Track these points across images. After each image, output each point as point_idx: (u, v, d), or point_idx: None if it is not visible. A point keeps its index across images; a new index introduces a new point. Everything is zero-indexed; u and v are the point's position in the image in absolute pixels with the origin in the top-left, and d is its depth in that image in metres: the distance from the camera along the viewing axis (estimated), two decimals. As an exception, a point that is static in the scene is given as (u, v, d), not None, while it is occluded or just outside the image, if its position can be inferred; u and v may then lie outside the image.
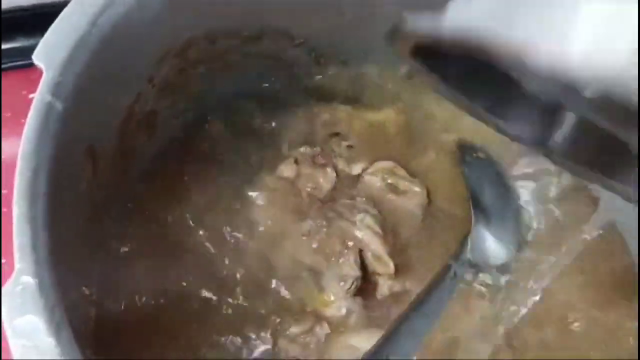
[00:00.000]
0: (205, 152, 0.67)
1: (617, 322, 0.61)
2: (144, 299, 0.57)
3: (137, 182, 0.63)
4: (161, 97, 0.59)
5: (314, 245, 0.62)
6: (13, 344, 0.33)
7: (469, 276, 0.61)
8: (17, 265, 0.35)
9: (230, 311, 0.58)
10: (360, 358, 0.48)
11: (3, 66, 0.75)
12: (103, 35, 0.47)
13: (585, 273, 0.63)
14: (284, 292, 0.60)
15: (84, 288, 0.50)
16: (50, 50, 0.43)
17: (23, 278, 0.35)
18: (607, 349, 0.59)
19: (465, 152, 0.69)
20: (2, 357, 0.56)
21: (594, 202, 0.68)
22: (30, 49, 0.43)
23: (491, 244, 0.63)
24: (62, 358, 0.33)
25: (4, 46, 0.76)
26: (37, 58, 0.42)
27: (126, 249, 0.59)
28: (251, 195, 0.66)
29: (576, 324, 0.61)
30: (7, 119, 0.71)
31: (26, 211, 0.37)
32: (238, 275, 0.60)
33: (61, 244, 0.40)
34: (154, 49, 0.55)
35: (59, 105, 0.41)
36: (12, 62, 0.76)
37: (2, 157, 0.67)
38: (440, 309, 0.55)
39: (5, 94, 0.72)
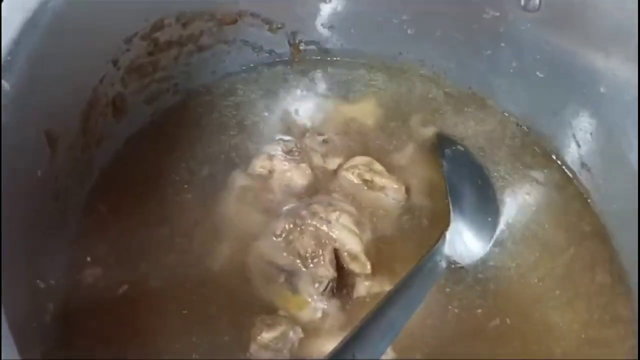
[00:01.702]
0: (177, 142, 0.64)
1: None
2: (108, 299, 0.54)
3: (103, 172, 0.61)
4: (129, 80, 0.57)
5: (288, 246, 0.59)
6: None
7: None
8: None
9: (198, 316, 0.55)
10: (324, 358, 0.44)
11: None
12: (56, 13, 0.45)
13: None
14: (257, 295, 0.57)
15: (38, 281, 0.46)
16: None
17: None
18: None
19: (444, 144, 0.66)
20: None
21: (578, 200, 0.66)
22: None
23: (469, 239, 0.61)
24: None
25: None
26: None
27: (89, 244, 0.56)
28: (222, 193, 0.63)
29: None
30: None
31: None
32: (207, 276, 0.57)
33: (11, 230, 0.38)
34: (118, 30, 0.52)
35: (6, 86, 0.38)
36: None
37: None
38: (416, 303, 0.52)
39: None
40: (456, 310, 0.59)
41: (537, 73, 0.65)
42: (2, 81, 0.39)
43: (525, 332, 0.58)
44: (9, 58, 0.40)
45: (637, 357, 0.51)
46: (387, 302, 0.49)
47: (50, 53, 0.45)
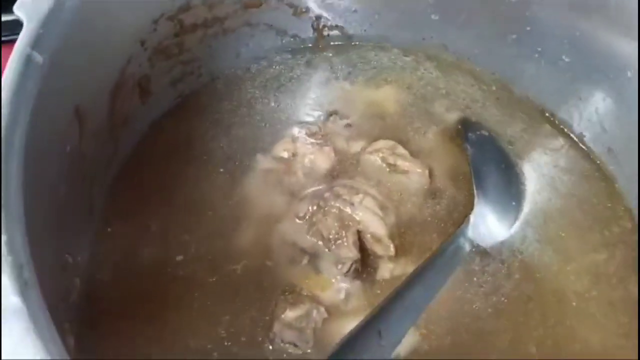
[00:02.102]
0: (200, 125, 0.65)
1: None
2: (133, 275, 0.54)
3: (129, 153, 0.61)
4: (155, 61, 0.57)
5: (311, 228, 0.59)
6: None
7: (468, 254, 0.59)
8: None
9: (222, 294, 0.55)
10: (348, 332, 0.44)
11: (3, 39, 0.73)
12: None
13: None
14: (280, 276, 0.57)
15: (67, 255, 0.47)
16: (32, 3, 0.41)
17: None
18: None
19: (468, 129, 0.66)
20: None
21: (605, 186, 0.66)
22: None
23: (492, 223, 0.61)
24: (28, 319, 0.30)
25: (4, 18, 0.73)
26: (18, 9, 0.41)
27: (115, 222, 0.57)
28: (246, 175, 0.63)
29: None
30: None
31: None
32: (231, 256, 0.57)
33: (40, 206, 0.38)
34: (146, 10, 0.52)
35: (39, 59, 0.39)
36: (12, 34, 0.73)
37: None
38: (440, 283, 0.52)
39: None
40: (479, 292, 0.58)
41: (563, 57, 0.65)
42: (35, 53, 0.39)
43: (548, 313, 0.57)
44: (41, 31, 0.41)
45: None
46: (412, 281, 0.49)
47: (81, 30, 0.45)
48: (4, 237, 0.34)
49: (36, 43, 0.41)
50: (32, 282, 0.34)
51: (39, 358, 0.31)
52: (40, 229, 0.39)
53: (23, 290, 0.33)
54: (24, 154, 0.38)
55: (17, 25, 0.70)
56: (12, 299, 0.32)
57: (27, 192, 0.37)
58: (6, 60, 0.70)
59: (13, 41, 0.71)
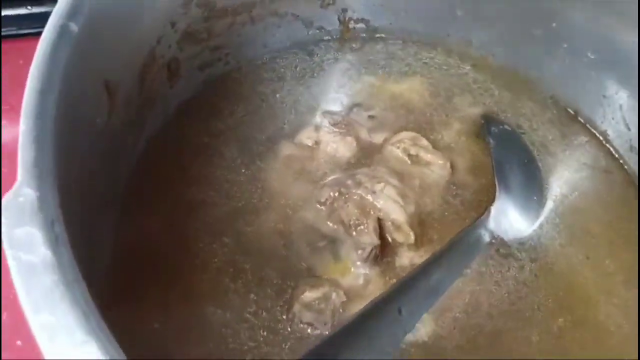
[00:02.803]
0: (226, 110, 0.66)
1: None
2: (155, 254, 0.55)
3: (155, 133, 0.62)
4: (184, 44, 0.58)
5: (332, 214, 0.60)
6: (9, 256, 0.32)
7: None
8: (19, 177, 0.34)
9: (242, 276, 0.56)
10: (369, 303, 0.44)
11: (3, 33, 0.74)
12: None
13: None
14: (300, 261, 0.58)
15: (92, 226, 0.48)
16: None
17: (24, 190, 0.34)
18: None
19: (490, 123, 0.66)
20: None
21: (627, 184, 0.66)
22: (32, 17, 0.42)
23: (514, 217, 0.61)
24: (58, 272, 0.31)
25: (4, 13, 0.74)
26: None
27: (139, 200, 0.57)
28: (269, 161, 0.64)
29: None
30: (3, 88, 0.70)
31: (32, 128, 0.36)
32: (252, 240, 0.58)
33: (69, 172, 0.39)
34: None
35: (74, 28, 0.40)
36: (11, 30, 0.74)
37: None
38: (460, 268, 0.53)
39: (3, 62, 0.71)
40: (499, 284, 0.58)
41: (588, 54, 0.65)
42: (72, 23, 0.40)
43: (567, 307, 0.57)
44: (76, 3, 0.42)
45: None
46: (433, 263, 0.49)
47: (115, 4, 0.46)
48: (36, 195, 0.34)
49: (71, 14, 0.42)
50: (63, 239, 0.34)
51: (68, 310, 0.31)
52: (70, 196, 0.40)
53: (54, 244, 0.33)
54: (55, 117, 0.38)
55: (18, 19, 0.73)
56: (43, 251, 0.33)
57: (59, 156, 0.38)
58: (7, 55, 0.71)
59: (13, 36, 0.74)
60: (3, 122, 0.66)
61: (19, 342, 0.56)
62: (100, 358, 0.30)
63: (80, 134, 0.44)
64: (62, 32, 0.41)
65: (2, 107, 0.67)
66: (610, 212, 0.65)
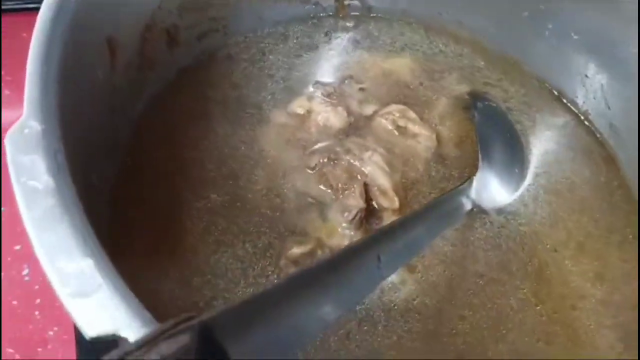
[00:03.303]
0: (222, 80, 0.68)
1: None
2: (148, 211, 0.58)
3: (155, 96, 0.65)
4: (184, 12, 0.61)
5: (320, 178, 0.62)
6: (15, 182, 0.34)
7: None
8: (25, 111, 0.36)
9: (232, 233, 0.58)
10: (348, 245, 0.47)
11: (3, 7, 0.76)
12: None
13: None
14: (289, 222, 0.60)
15: (93, 175, 0.50)
16: None
17: (29, 122, 0.36)
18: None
19: (476, 99, 0.69)
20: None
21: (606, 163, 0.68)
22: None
23: (495, 187, 0.63)
24: (59, 197, 0.34)
25: None
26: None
27: (137, 160, 0.60)
28: (263, 129, 0.66)
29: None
30: (6, 64, 0.72)
31: (37, 69, 0.38)
32: (243, 201, 0.61)
33: (72, 119, 0.41)
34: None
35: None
36: (13, 4, 0.76)
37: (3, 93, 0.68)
38: (439, 229, 0.55)
39: (4, 37, 0.73)
40: (478, 251, 0.61)
41: (572, 35, 0.68)
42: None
43: (544, 276, 0.60)
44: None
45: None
46: (412, 218, 0.52)
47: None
48: (41, 127, 0.37)
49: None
50: (65, 168, 0.37)
51: (67, 229, 0.34)
52: (73, 139, 0.42)
53: (56, 172, 0.36)
54: (60, 63, 0.41)
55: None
56: (46, 178, 0.36)
57: (63, 97, 0.40)
58: (7, 30, 0.73)
59: (13, 11, 0.75)
60: (6, 93, 0.69)
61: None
62: (96, 273, 0.33)
63: (83, 82, 0.47)
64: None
65: (6, 80, 0.69)
66: (588, 189, 0.67)
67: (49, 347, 0.59)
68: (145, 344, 0.27)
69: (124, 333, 0.31)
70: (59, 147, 0.37)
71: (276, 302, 0.34)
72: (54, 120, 0.38)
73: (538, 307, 0.58)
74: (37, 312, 0.60)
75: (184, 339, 0.28)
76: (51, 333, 0.60)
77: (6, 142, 0.35)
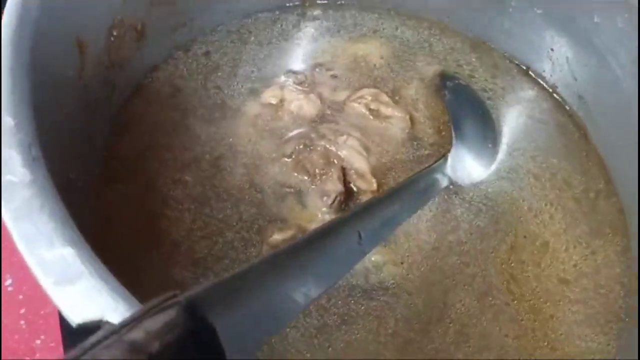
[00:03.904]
0: (194, 74, 0.69)
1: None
2: (126, 211, 0.58)
3: (128, 94, 0.65)
4: (151, 7, 0.61)
5: (297, 165, 0.63)
6: None
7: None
8: None
9: (212, 226, 0.58)
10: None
11: None
12: None
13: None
14: (268, 211, 0.61)
15: (70, 174, 0.50)
16: None
17: (2, 118, 0.36)
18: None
19: (446, 78, 0.70)
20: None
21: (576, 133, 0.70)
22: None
23: (470, 163, 0.64)
24: (34, 188, 0.34)
25: None
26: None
27: (113, 158, 0.60)
28: (236, 120, 0.66)
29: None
30: None
31: (8, 59, 0.38)
32: (223, 195, 0.61)
33: (46, 116, 0.41)
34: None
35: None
36: None
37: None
38: (416, 206, 0.56)
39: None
40: (456, 227, 0.62)
41: (535, 9, 0.69)
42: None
43: (521, 250, 0.62)
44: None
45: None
46: (390, 195, 0.52)
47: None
48: (14, 121, 0.37)
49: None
50: (41, 161, 0.37)
51: (47, 219, 0.34)
52: (46, 137, 0.42)
53: (31, 164, 0.36)
54: (31, 56, 0.41)
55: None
56: (22, 171, 0.35)
57: (35, 91, 0.40)
58: None
59: None
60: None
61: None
62: (78, 260, 0.33)
63: (54, 81, 0.47)
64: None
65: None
66: (560, 161, 0.69)
67: (37, 355, 0.59)
68: (131, 321, 0.27)
69: (110, 317, 0.32)
70: (32, 140, 0.37)
71: (261, 277, 0.34)
72: (26, 114, 0.38)
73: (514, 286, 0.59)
74: (22, 322, 0.60)
75: (169, 315, 0.28)
76: (38, 342, 0.60)
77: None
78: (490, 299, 0.58)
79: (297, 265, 0.37)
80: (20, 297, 0.61)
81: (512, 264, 0.61)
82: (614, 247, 0.63)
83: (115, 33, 0.59)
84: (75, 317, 0.31)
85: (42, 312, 0.61)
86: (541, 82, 0.73)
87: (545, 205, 0.65)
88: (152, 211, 0.57)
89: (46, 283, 0.32)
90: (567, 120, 0.71)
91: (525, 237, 0.62)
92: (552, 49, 0.70)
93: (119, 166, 0.60)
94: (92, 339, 0.26)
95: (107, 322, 0.31)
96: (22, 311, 0.61)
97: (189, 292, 0.29)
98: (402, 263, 0.59)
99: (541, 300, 0.59)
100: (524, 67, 0.74)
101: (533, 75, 0.73)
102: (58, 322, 0.59)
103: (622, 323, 0.58)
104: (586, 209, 0.66)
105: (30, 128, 0.38)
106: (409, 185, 0.56)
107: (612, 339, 0.57)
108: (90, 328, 0.32)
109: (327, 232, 0.41)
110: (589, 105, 0.68)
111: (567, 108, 0.71)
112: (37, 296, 0.61)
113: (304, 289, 0.37)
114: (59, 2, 0.47)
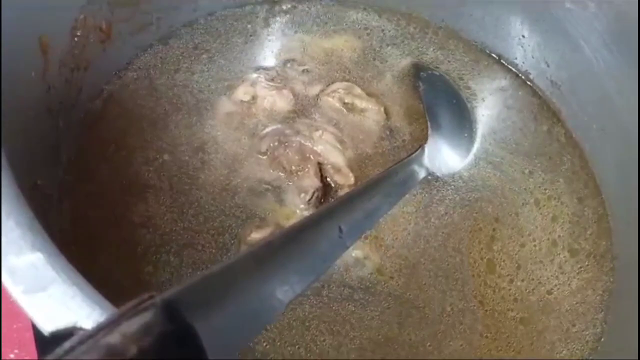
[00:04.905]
0: (162, 74, 0.67)
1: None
2: (99, 212, 0.56)
3: (94, 96, 0.63)
4: (115, 7, 0.60)
5: (273, 162, 0.61)
6: None
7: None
8: None
9: (190, 224, 0.57)
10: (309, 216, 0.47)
11: None
12: None
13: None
14: (246, 209, 0.60)
15: (37, 180, 0.48)
16: None
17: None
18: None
19: (420, 69, 0.69)
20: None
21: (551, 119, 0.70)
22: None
23: (447, 153, 0.64)
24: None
25: None
26: None
27: (80, 161, 0.58)
28: (209, 119, 0.65)
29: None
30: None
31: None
32: (198, 194, 0.60)
33: (9, 121, 0.39)
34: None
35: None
36: None
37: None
38: (396, 197, 0.55)
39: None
40: (436, 217, 0.61)
41: (506, -4, 0.69)
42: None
43: (498, 235, 0.62)
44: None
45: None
46: (369, 187, 0.51)
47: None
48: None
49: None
50: (6, 168, 0.35)
51: (14, 225, 0.32)
52: (9, 144, 0.40)
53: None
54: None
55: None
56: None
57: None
58: None
59: None
60: None
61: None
62: (48, 266, 0.31)
63: (17, 83, 0.46)
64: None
65: None
66: (536, 147, 0.69)
67: (12, 369, 0.57)
68: (107, 325, 0.26)
69: (84, 324, 0.30)
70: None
71: (240, 274, 0.33)
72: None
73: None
74: (-5, 336, 0.58)
75: (146, 317, 0.27)
76: (12, 356, 0.58)
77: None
78: (468, 288, 0.57)
79: (277, 261, 0.36)
80: (-8, 310, 0.59)
81: (491, 253, 0.60)
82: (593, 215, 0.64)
83: (79, 33, 0.57)
84: (48, 325, 0.30)
85: (15, 326, 0.59)
86: (513, 69, 0.73)
87: (524, 191, 0.64)
88: (122, 214, 0.56)
89: (15, 291, 0.30)
90: (541, 107, 0.71)
91: (502, 225, 0.61)
92: (523, 36, 0.70)
93: (86, 168, 0.58)
94: (67, 344, 0.25)
95: (81, 329, 0.30)
96: (-5, 325, 0.59)
97: (166, 293, 0.28)
98: (380, 258, 0.58)
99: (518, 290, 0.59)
100: (496, 56, 0.74)
101: (505, 63, 0.73)
102: (32, 335, 0.58)
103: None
104: (565, 198, 0.65)
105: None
106: (387, 177, 0.55)
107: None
108: (64, 336, 0.30)
109: (306, 227, 0.40)
110: (562, 91, 0.69)
111: (541, 94, 0.71)
112: (10, 309, 0.59)
113: (285, 286, 0.36)
114: (20, 0, 0.45)
